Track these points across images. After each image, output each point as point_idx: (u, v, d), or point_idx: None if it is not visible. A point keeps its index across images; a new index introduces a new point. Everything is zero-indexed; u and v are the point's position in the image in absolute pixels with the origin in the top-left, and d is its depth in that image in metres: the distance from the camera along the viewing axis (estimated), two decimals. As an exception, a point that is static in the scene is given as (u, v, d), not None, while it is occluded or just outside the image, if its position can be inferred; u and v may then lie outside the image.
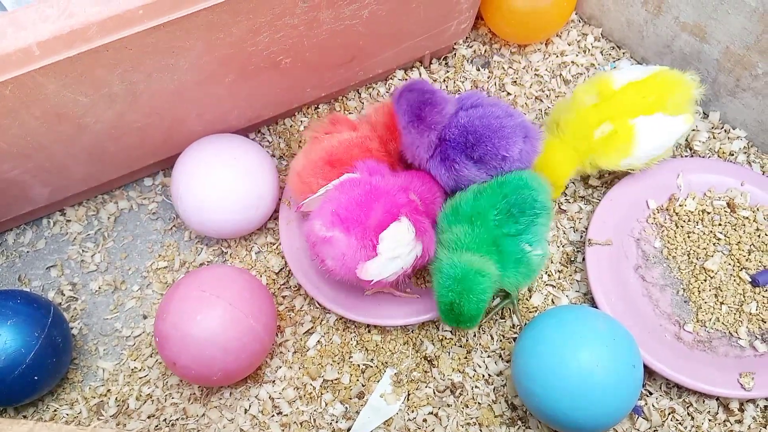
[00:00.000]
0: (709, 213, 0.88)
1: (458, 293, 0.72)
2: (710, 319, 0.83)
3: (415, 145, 0.80)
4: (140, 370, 0.87)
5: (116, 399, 0.85)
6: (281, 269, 0.91)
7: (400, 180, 0.79)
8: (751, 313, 0.82)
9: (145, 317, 0.90)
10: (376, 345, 0.85)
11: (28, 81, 0.65)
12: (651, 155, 0.83)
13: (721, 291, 0.84)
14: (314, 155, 0.83)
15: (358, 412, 0.82)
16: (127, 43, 0.66)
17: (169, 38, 0.69)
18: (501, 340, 0.85)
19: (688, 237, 0.87)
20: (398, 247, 0.73)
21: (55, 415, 0.85)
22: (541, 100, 0.99)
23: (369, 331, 0.86)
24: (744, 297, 0.83)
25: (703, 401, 0.80)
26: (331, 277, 0.77)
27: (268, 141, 0.99)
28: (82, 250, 0.94)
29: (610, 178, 0.92)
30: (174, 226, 0.95)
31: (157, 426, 0.83)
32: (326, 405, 0.82)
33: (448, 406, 0.82)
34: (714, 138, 0.95)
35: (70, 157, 0.81)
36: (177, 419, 0.83)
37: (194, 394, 0.84)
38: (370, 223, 0.73)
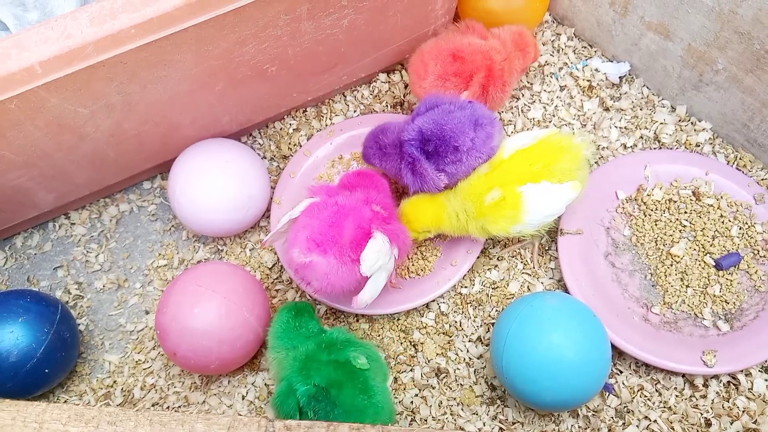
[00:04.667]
0: (675, 202, 0.93)
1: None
2: (676, 302, 0.88)
3: (393, 171, 0.88)
4: (144, 362, 0.93)
5: (122, 389, 0.91)
6: (274, 265, 0.97)
7: (360, 195, 0.84)
8: (714, 295, 0.88)
9: (147, 312, 0.96)
10: (364, 333, 0.91)
11: (31, 96, 0.70)
12: (542, 222, 0.83)
13: (687, 275, 0.89)
14: (444, 44, 0.92)
15: (347, 396, 0.87)
16: (122, 59, 0.72)
17: (160, 52, 0.74)
18: (481, 326, 0.90)
19: (656, 225, 0.92)
20: (380, 260, 0.79)
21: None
22: (518, 99, 1.05)
23: (357, 320, 0.92)
24: (708, 280, 0.89)
25: (670, 378, 0.85)
26: (319, 296, 0.83)
27: (259, 143, 1.05)
28: (87, 251, 1.00)
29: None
30: (172, 226, 1.01)
31: (160, 413, 0.89)
32: (318, 390, 0.88)
33: (433, 388, 0.87)
34: (681, 130, 1.00)
35: (73, 164, 0.87)
36: (179, 407, 0.89)
37: (195, 383, 0.90)
38: (345, 240, 0.78)
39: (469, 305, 0.91)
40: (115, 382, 0.92)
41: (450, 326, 0.91)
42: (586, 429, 0.83)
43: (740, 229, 0.91)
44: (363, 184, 0.86)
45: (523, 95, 1.05)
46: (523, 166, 0.83)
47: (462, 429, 0.84)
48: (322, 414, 0.71)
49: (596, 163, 0.99)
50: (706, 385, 0.85)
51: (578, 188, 0.83)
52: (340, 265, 0.78)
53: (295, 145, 1.04)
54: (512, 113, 1.04)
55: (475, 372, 0.88)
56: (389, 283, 0.90)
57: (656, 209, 0.93)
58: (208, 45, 0.77)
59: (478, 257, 0.92)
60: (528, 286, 0.92)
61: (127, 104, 0.80)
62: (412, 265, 0.93)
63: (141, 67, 0.75)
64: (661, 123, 1.00)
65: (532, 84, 1.05)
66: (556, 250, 0.92)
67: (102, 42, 0.68)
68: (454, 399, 0.87)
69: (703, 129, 0.99)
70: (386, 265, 0.80)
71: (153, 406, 0.89)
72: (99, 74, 0.72)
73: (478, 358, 0.89)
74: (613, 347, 0.83)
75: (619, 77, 1.04)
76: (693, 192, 0.94)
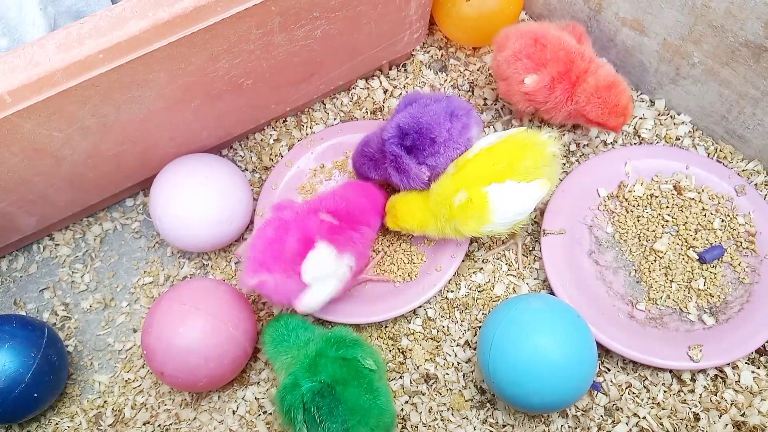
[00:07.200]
0: (656, 197, 0.93)
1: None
2: (661, 297, 0.88)
3: (385, 175, 0.88)
4: (133, 380, 0.92)
5: (113, 409, 0.91)
6: (260, 277, 0.97)
7: (311, 204, 0.85)
8: (699, 289, 0.88)
9: (135, 331, 0.96)
10: (352, 342, 0.91)
11: (4, 124, 0.70)
12: (513, 221, 0.83)
13: (671, 270, 0.89)
14: (534, 27, 0.92)
15: (338, 406, 0.87)
16: (93, 82, 0.72)
17: (132, 73, 0.74)
18: (468, 329, 0.90)
19: (638, 221, 0.92)
20: (323, 270, 0.80)
21: (57, 428, 0.90)
22: (498, 99, 1.04)
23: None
24: (692, 274, 0.89)
25: (657, 374, 0.86)
26: (286, 308, 0.85)
27: (240, 156, 1.05)
28: (72, 272, 1.00)
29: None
30: (157, 242, 1.01)
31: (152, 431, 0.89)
32: (308, 401, 0.88)
33: (422, 394, 0.87)
34: (661, 124, 1.00)
35: (52, 187, 0.87)
36: (170, 424, 0.89)
37: (185, 399, 0.90)
38: (287, 255, 0.79)
39: (455, 309, 0.91)
40: (105, 402, 0.92)
41: (438, 331, 0.91)
42: (576, 428, 0.84)
43: (722, 221, 0.91)
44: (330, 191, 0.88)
45: (502, 96, 1.05)
46: (486, 165, 0.83)
47: (453, 434, 0.85)
48: (325, 411, 0.71)
49: (577, 161, 0.99)
50: (693, 380, 0.85)
51: (546, 186, 0.83)
52: (286, 278, 0.79)
53: (276, 155, 1.03)
54: (492, 114, 1.04)
55: (464, 376, 0.88)
56: (369, 278, 0.91)
57: (638, 205, 0.93)
58: (180, 63, 0.77)
59: (462, 261, 0.92)
60: (513, 288, 0.92)
61: (103, 126, 0.80)
62: (398, 270, 0.93)
63: (114, 88, 0.75)
64: (641, 118, 1.00)
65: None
66: (540, 251, 0.92)
67: (70, 68, 0.67)
68: (444, 404, 0.87)
69: (683, 122, 0.99)
70: (335, 273, 0.80)
71: (144, 424, 0.89)
72: (72, 98, 0.72)
73: (466, 362, 0.89)
74: (600, 346, 0.83)
75: (597, 73, 1.04)
76: (674, 186, 0.94)
